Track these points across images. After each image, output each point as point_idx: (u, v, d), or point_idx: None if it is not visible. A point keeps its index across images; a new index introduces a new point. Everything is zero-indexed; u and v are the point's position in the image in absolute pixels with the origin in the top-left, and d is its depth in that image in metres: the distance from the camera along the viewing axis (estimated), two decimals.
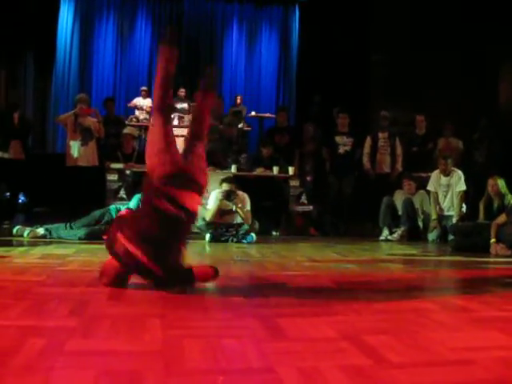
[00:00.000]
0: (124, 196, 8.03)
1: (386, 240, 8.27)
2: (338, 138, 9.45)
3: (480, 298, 3.59)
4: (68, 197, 8.42)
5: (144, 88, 12.39)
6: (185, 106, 11.82)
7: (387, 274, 4.74)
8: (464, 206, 8.53)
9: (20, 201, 9.20)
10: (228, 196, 7.33)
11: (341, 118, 9.55)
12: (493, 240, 6.66)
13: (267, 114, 12.09)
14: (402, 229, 8.39)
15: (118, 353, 2.15)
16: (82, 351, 2.17)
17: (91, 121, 9.01)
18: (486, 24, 11.32)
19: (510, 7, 11.06)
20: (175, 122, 10.87)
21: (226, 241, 7.20)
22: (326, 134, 9.82)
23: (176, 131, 10.45)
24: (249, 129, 11.76)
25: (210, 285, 3.56)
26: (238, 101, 12.60)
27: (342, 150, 9.44)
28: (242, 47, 14.82)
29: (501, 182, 7.65)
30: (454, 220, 8.17)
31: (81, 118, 8.84)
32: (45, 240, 6.66)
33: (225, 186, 7.45)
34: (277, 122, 10.44)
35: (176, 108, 11.60)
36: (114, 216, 7.10)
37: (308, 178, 9.29)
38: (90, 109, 9.00)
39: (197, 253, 6.20)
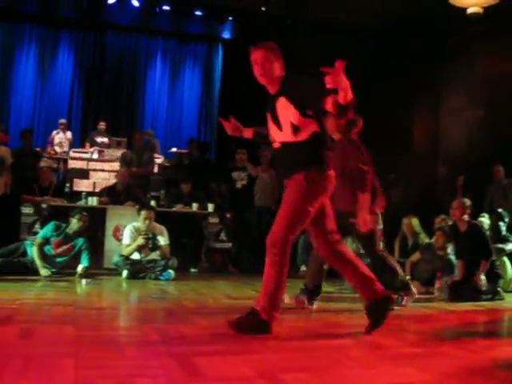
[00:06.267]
0: (39, 230, 7.77)
1: (304, 278, 8.32)
2: (235, 174, 9.55)
3: (395, 334, 3.66)
4: None
5: (63, 121, 12.12)
6: (105, 140, 11.66)
7: (305, 312, 4.78)
8: (380, 244, 8.69)
9: None
10: (149, 242, 7.23)
11: (239, 154, 9.65)
12: (407, 277, 6.83)
13: (185, 151, 12.04)
14: None
15: None
16: None
17: (3, 150, 8.72)
18: (399, 72, 11.82)
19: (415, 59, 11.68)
20: (95, 156, 10.71)
21: (144, 277, 7.08)
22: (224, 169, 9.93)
23: (96, 165, 10.38)
24: (167, 164, 11.61)
25: (124, 323, 3.48)
26: (147, 136, 12.19)
27: (239, 184, 9.53)
28: (164, 82, 14.80)
29: (415, 221, 7.88)
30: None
31: None
32: None
33: (143, 214, 7.29)
34: (190, 154, 10.55)
35: (96, 142, 11.44)
36: (29, 251, 6.91)
37: (227, 215, 9.28)
38: (5, 136, 8.67)
39: (113, 290, 6.09)
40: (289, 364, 2.68)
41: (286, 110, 3.52)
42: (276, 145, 3.64)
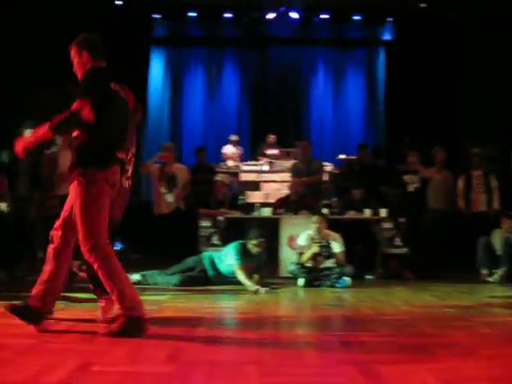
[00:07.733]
0: (217, 242, 8.12)
1: (486, 282, 7.95)
2: (406, 177, 9.26)
3: None
4: (160, 244, 8.57)
5: (234, 137, 12.51)
6: (275, 151, 11.89)
7: (489, 318, 4.54)
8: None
9: (117, 248, 9.40)
10: (324, 250, 7.25)
11: (411, 156, 9.33)
12: None
13: (355, 157, 11.95)
14: (503, 269, 8.04)
15: None
16: None
17: (178, 168, 9.16)
18: None
19: None
20: (265, 168, 10.98)
21: (320, 285, 7.10)
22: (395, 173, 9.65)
23: (266, 177, 10.65)
24: (337, 172, 11.58)
25: (303, 330, 3.50)
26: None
27: (411, 188, 9.25)
28: (328, 90, 14.84)
29: None
30: None
31: (167, 165, 9.03)
32: (140, 286, 6.77)
33: (314, 220, 7.34)
34: (361, 159, 10.31)
35: (266, 154, 11.70)
36: (208, 264, 7.07)
37: (401, 220, 9.07)
38: (166, 155, 9.11)
39: (290, 298, 6.16)
40: (476, 373, 2.56)
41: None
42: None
